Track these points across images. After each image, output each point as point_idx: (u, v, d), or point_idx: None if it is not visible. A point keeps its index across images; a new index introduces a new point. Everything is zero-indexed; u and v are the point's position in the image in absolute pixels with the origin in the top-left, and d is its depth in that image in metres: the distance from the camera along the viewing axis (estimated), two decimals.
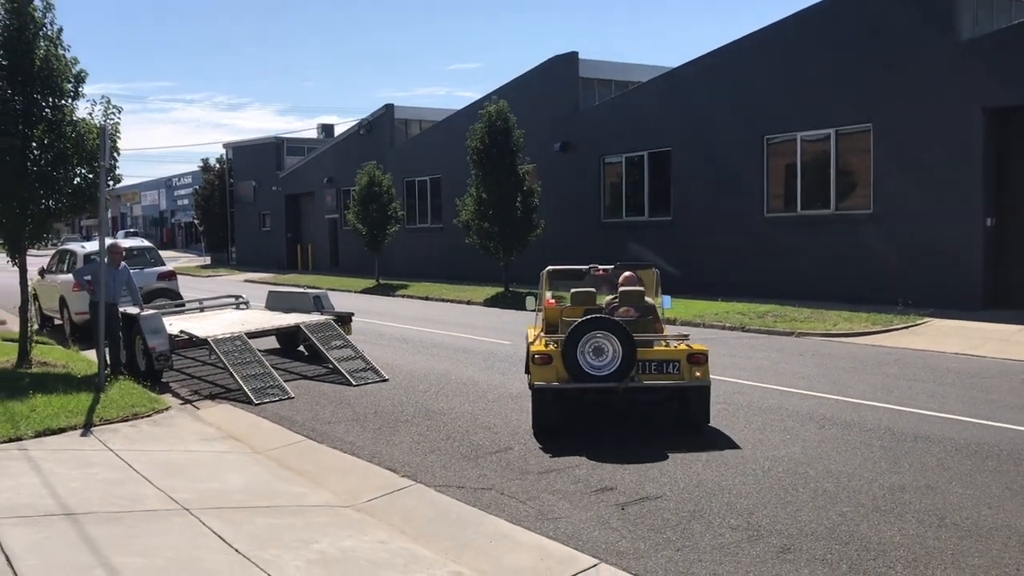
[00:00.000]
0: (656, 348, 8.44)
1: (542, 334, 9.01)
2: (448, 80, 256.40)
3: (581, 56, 26.49)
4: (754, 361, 12.54)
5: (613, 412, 9.10)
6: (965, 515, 5.93)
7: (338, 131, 45.15)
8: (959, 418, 8.68)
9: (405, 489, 7.23)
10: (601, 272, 9.93)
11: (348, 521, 6.53)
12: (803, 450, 7.68)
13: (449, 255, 29.69)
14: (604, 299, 9.55)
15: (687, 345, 8.46)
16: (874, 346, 13.83)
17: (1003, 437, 7.91)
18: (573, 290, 9.69)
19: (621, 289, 9.26)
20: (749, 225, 20.62)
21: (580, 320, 8.24)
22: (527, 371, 9.69)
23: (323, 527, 6.31)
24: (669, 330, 9.34)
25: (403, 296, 26.09)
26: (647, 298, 9.38)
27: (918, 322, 15.44)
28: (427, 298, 24.76)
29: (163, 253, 21.40)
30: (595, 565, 5.45)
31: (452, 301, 23.56)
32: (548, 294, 9.98)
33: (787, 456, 7.49)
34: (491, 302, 22.28)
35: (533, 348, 8.54)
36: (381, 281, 29.65)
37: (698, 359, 8.19)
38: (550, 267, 10.21)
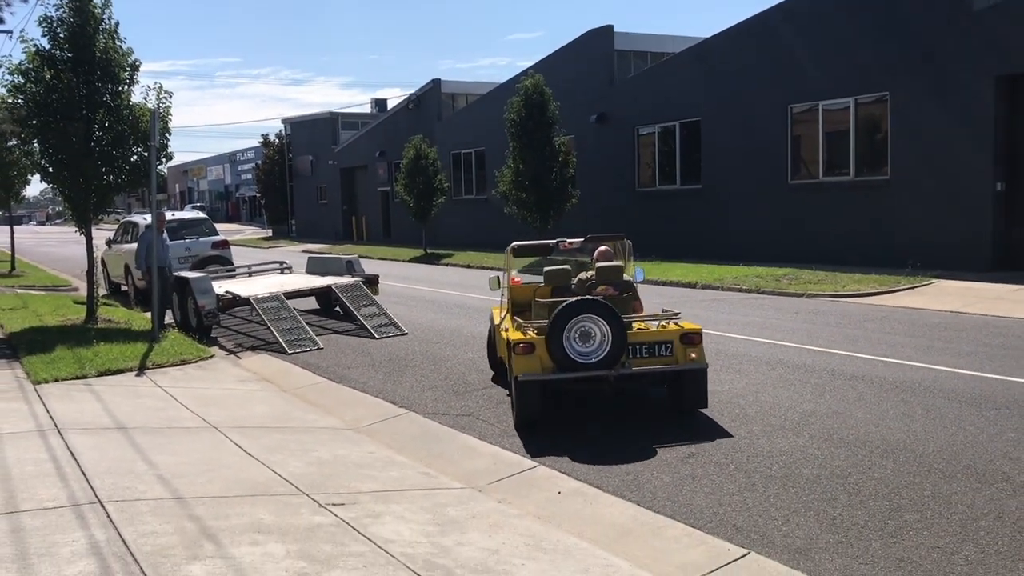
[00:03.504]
0: (645, 329, 7.63)
1: (515, 318, 8.34)
2: (507, 50, 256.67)
3: (616, 29, 27.29)
4: (748, 318, 13.48)
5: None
6: (852, 432, 6.98)
7: (393, 105, 46.57)
8: (902, 362, 9.60)
9: (400, 416, 8.54)
10: (569, 246, 9.21)
11: (346, 438, 7.86)
12: (745, 386, 8.75)
13: (493, 225, 30.76)
14: (577, 277, 8.94)
15: (678, 324, 7.74)
16: (874, 305, 14.54)
17: (927, 375, 8.85)
18: (547, 269, 9.00)
19: (599, 265, 8.67)
20: (774, 192, 21.37)
21: (566, 303, 7.37)
22: (490, 359, 9.78)
23: (324, 442, 7.65)
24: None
25: (447, 264, 27.38)
26: (625, 275, 8.84)
27: (924, 283, 16.08)
28: (468, 266, 26.01)
29: (228, 226, 22.95)
30: (535, 467, 6.68)
31: (492, 268, 24.64)
32: (514, 272, 9.36)
33: (728, 391, 8.57)
34: (527, 269, 23.36)
35: (514, 337, 7.66)
36: (428, 251, 30.98)
37: (692, 339, 7.47)
38: (515, 243, 9.54)
